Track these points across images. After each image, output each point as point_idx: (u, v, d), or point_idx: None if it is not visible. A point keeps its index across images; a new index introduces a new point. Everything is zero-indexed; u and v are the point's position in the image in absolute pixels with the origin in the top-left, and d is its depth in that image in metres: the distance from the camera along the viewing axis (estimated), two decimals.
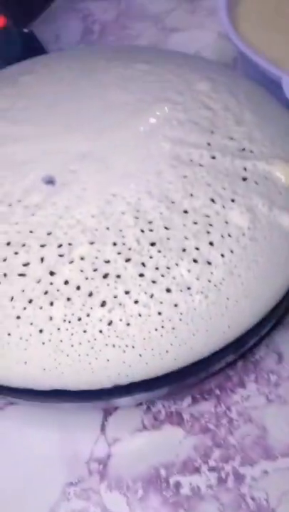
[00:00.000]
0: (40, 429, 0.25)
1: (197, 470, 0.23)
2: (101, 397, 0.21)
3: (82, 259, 0.22)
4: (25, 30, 0.38)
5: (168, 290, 0.21)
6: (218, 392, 0.25)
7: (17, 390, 0.21)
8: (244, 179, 0.24)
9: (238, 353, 0.24)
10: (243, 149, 0.25)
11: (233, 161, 0.25)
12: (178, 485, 0.23)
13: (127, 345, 0.20)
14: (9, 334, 0.20)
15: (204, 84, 0.29)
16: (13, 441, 0.25)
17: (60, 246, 0.22)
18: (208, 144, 0.25)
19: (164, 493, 0.23)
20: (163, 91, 0.28)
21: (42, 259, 0.22)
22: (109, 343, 0.20)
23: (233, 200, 0.23)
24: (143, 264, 0.21)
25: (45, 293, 0.21)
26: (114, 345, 0.20)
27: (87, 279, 0.21)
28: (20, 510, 0.23)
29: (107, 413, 0.25)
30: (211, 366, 0.23)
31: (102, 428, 0.25)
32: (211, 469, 0.23)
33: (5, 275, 0.22)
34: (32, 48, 0.37)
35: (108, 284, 0.21)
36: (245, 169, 0.25)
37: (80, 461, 0.24)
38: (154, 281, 0.21)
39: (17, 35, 0.37)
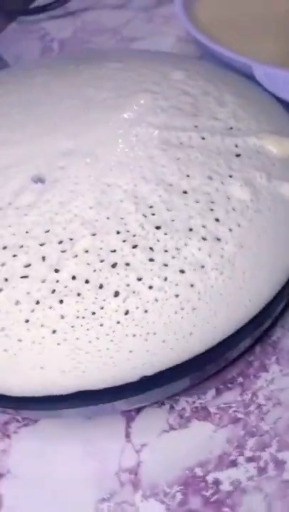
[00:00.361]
0: (62, 446, 0.23)
1: (234, 463, 0.22)
2: (124, 395, 0.19)
3: (86, 251, 0.20)
4: None
5: (181, 271, 0.20)
6: (241, 379, 0.24)
7: (32, 400, 0.19)
8: (237, 155, 0.24)
9: (255, 335, 0.23)
10: (231, 128, 0.25)
11: (224, 140, 0.24)
12: (217, 482, 0.22)
13: (148, 333, 0.19)
14: (20, 340, 0.19)
15: (179, 73, 0.29)
16: (36, 462, 0.23)
17: (60, 242, 0.21)
18: (196, 127, 0.25)
19: (204, 492, 0.21)
20: (139, 84, 0.28)
21: (43, 258, 0.20)
22: (129, 333, 0.19)
23: (230, 176, 0.23)
24: (151, 249, 0.20)
25: (53, 291, 0.20)
26: (134, 335, 0.19)
27: (95, 271, 0.20)
28: None
29: (130, 419, 0.23)
30: (229, 352, 0.22)
31: (127, 435, 0.23)
32: (249, 460, 0.22)
33: (6, 280, 0.20)
34: None
35: (118, 274, 0.20)
36: (236, 146, 0.24)
37: (109, 473, 0.22)
38: (165, 265, 0.20)
39: None
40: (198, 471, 0.22)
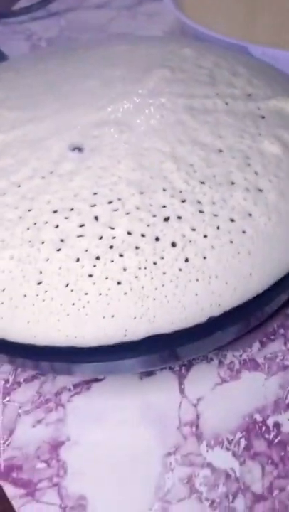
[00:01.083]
0: (118, 409, 0.23)
1: None
2: (192, 338, 0.19)
3: (137, 209, 0.21)
4: None
5: (232, 220, 0.21)
6: (282, 331, 0.25)
7: (95, 351, 0.19)
8: (262, 117, 0.25)
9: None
10: (249, 95, 0.26)
11: (246, 104, 0.25)
12: (277, 425, 0.22)
13: (210, 277, 0.19)
14: (86, 293, 0.19)
15: (188, 50, 0.30)
16: (95, 427, 0.23)
17: (110, 202, 0.21)
18: (217, 94, 0.26)
19: (267, 436, 0.22)
20: (152, 61, 0.29)
21: (96, 218, 0.21)
22: (192, 278, 0.19)
23: (259, 134, 0.24)
24: (199, 202, 0.21)
25: (111, 247, 0.20)
26: (197, 280, 0.19)
27: (149, 225, 0.20)
28: (127, 493, 0.21)
29: (181, 377, 0.24)
30: (268, 304, 0.23)
31: (181, 391, 0.23)
32: None
33: (62, 240, 0.20)
34: None
35: (172, 226, 0.20)
36: (258, 109, 0.25)
37: (170, 429, 0.22)
38: (215, 215, 0.21)
39: None
40: (258, 417, 0.22)
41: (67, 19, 0.50)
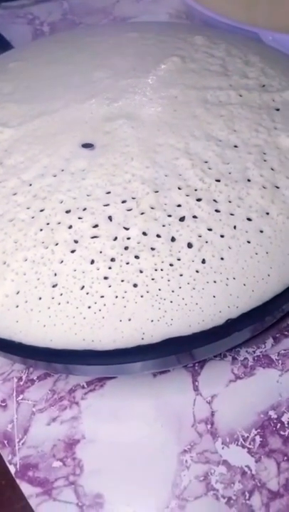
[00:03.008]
0: (133, 406, 0.23)
1: None
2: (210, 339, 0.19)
3: (152, 208, 0.21)
4: None
5: (249, 219, 0.20)
6: None
7: (112, 353, 0.19)
8: (277, 109, 0.24)
9: None
10: (264, 85, 0.26)
11: (261, 96, 0.25)
12: None
13: (227, 278, 0.19)
14: (102, 296, 0.19)
15: (199, 38, 0.29)
16: (110, 424, 0.23)
17: (124, 202, 0.21)
18: (230, 86, 0.25)
19: (282, 433, 0.22)
20: (164, 49, 0.28)
21: (110, 218, 0.20)
22: (210, 280, 0.19)
23: (275, 128, 0.23)
24: (215, 201, 0.21)
25: (126, 248, 0.20)
26: (215, 281, 0.19)
27: (164, 226, 0.20)
28: (144, 491, 0.21)
29: (195, 374, 0.24)
30: (287, 303, 0.23)
31: (195, 388, 0.23)
32: None
33: (76, 241, 0.20)
34: None
35: (188, 226, 0.20)
36: (273, 100, 0.25)
37: (185, 426, 0.22)
38: (232, 214, 0.20)
39: None
40: (273, 414, 0.22)
41: (70, 2, 0.48)
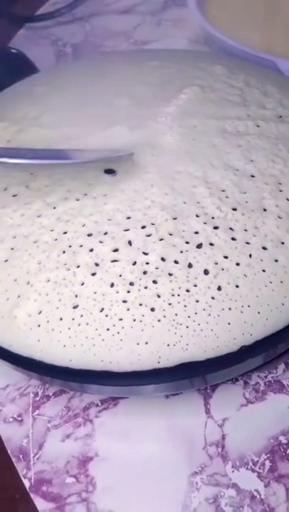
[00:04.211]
0: (146, 426, 0.24)
1: None
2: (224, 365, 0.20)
3: (171, 234, 0.21)
4: (13, 51, 0.38)
5: (264, 248, 0.21)
6: None
7: (126, 375, 0.20)
8: None
9: None
10: (280, 116, 0.26)
11: (277, 126, 0.26)
12: None
13: (242, 306, 0.20)
14: (121, 319, 0.20)
15: (218, 68, 0.30)
16: (123, 443, 0.23)
17: (143, 227, 0.22)
18: (248, 116, 0.26)
19: None
20: (184, 79, 0.29)
21: (130, 243, 0.21)
22: (225, 307, 0.20)
23: None
24: (231, 229, 0.21)
25: (144, 273, 0.20)
26: (230, 309, 0.20)
27: (182, 252, 0.21)
28: (156, 510, 0.21)
29: (207, 396, 0.24)
30: None
31: (207, 411, 0.24)
32: None
33: (97, 264, 0.21)
34: (23, 68, 0.37)
35: (205, 253, 0.21)
36: None
37: (196, 448, 0.23)
38: (247, 243, 0.21)
39: (6, 56, 0.37)
40: (283, 439, 0.23)
41: (92, 24, 0.50)
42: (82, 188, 0.23)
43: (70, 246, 0.21)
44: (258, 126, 0.26)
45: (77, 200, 0.23)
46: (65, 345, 0.20)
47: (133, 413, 0.24)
